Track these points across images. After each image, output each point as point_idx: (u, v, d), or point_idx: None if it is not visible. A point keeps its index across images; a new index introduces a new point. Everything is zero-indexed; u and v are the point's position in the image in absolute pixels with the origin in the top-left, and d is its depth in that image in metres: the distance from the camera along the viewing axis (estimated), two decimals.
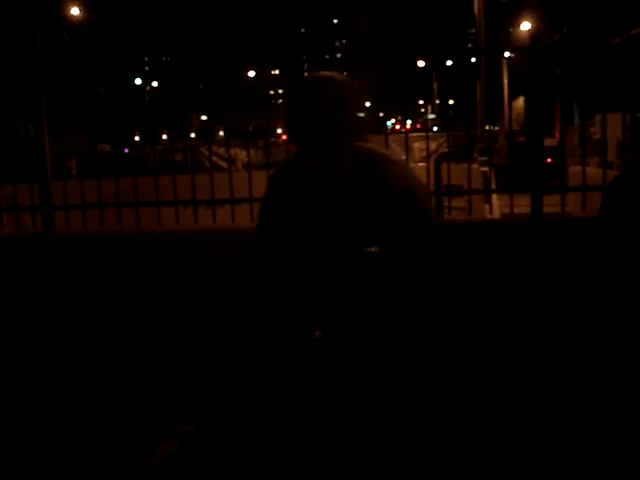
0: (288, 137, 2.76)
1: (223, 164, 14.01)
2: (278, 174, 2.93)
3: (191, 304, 5.64)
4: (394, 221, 2.73)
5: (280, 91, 69.71)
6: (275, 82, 64.74)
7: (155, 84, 57.95)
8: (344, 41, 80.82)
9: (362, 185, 2.71)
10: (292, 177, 2.81)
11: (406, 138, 6.49)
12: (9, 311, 5.88)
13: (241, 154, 17.95)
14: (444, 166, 5.69)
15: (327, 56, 77.55)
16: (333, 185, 2.71)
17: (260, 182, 6.11)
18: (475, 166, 8.15)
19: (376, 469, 2.86)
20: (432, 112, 59.45)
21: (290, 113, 2.75)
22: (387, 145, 5.85)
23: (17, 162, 10.21)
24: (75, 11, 34.03)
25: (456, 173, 5.97)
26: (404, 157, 6.25)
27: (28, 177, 6.70)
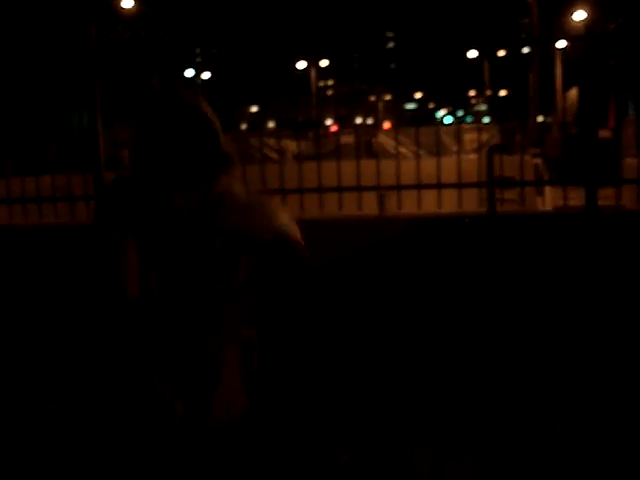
0: (136, 164, 2.22)
1: (273, 155, 14.07)
2: (119, 201, 2.34)
3: None
4: (266, 272, 2.36)
5: (330, 82, 69.69)
6: (325, 73, 64.71)
7: (207, 76, 58.46)
8: (392, 34, 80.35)
9: (226, 233, 2.27)
10: (152, 211, 2.23)
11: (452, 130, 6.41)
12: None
13: (291, 145, 17.99)
14: (496, 158, 5.63)
15: (376, 47, 77.19)
16: (203, 229, 2.26)
17: (310, 173, 6.14)
18: (527, 158, 8.04)
19: None
20: (483, 103, 58.71)
21: (150, 139, 2.25)
22: (438, 136, 5.82)
23: (71, 152, 10.41)
24: (129, 3, 34.45)
25: (508, 165, 5.91)
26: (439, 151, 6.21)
27: (82, 167, 6.81)
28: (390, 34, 78.14)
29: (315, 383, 4.81)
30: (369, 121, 56.27)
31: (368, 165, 6.29)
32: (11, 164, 8.41)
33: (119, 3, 35.50)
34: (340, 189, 6.00)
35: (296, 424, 4.21)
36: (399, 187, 5.85)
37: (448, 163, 6.16)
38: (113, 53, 6.84)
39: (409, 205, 6.01)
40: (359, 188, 5.96)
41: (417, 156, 6.20)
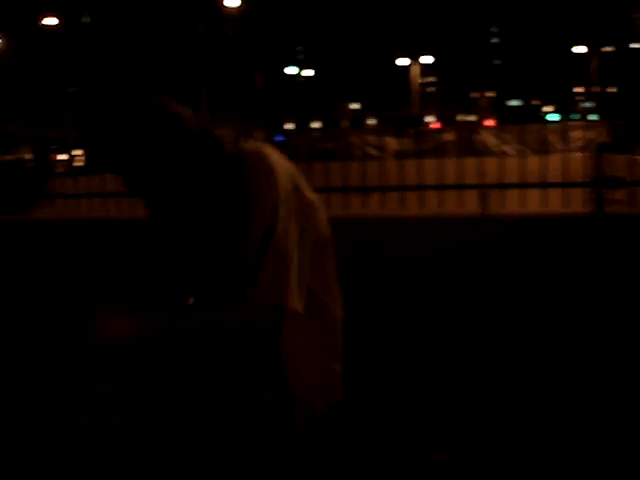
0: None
1: (374, 152, 14.09)
2: None
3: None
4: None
5: (432, 79, 69.02)
6: (428, 70, 64.17)
7: (308, 73, 58.96)
8: (496, 29, 78.97)
9: None
10: None
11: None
12: None
13: (392, 142, 17.98)
14: (604, 157, 5.47)
15: (480, 43, 75.97)
16: None
17: (410, 170, 6.12)
18: (638, 157, 7.77)
19: None
20: (590, 100, 56.99)
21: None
22: (543, 134, 5.70)
23: None
24: (234, 2, 35.14)
25: (616, 164, 5.73)
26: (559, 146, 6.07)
27: None
28: (494, 29, 76.84)
29: (414, 382, 4.78)
30: (471, 118, 55.49)
31: (469, 163, 6.22)
32: None
33: (224, 2, 36.23)
34: (441, 187, 5.95)
35: (390, 422, 4.20)
36: (502, 185, 5.75)
37: (553, 161, 6.02)
38: (218, 51, 6.98)
39: (512, 204, 5.91)
40: (461, 186, 5.90)
41: (521, 154, 6.08)
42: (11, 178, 9.27)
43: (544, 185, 5.62)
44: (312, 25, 53.91)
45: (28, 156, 12.18)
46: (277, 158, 1.83)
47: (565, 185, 5.61)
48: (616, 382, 4.49)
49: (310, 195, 1.89)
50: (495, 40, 79.46)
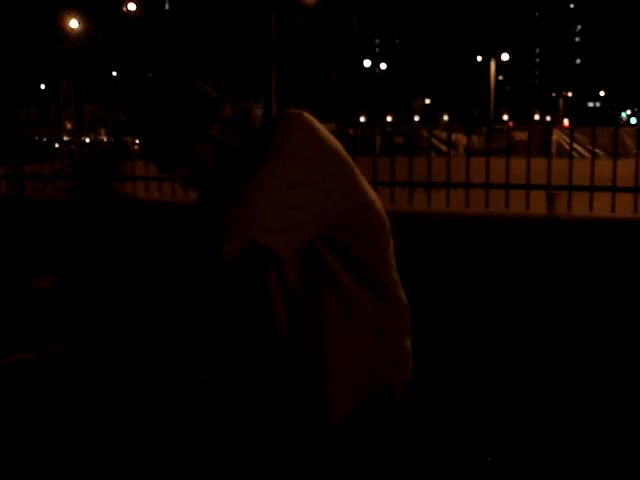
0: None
1: (444, 148, 13.95)
2: None
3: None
4: None
5: (509, 77, 67.90)
6: (505, 68, 63.18)
7: (384, 66, 58.68)
8: (580, 27, 77.19)
9: None
10: None
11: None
12: None
13: (463, 139, 17.76)
14: None
15: (561, 42, 74.44)
16: None
17: (479, 167, 6.04)
18: None
19: None
20: None
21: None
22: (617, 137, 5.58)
23: None
24: None
25: None
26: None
27: None
28: (578, 27, 75.18)
29: (464, 383, 4.74)
30: (547, 118, 54.47)
31: (538, 163, 6.10)
32: None
33: None
34: (508, 186, 5.86)
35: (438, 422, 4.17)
36: (570, 187, 5.63)
37: (626, 165, 5.86)
38: (291, 42, 7.02)
39: (580, 207, 5.78)
40: (527, 186, 5.80)
41: (592, 156, 5.95)
42: (86, 159, 9.50)
43: (613, 189, 5.48)
44: (390, 19, 53.65)
45: (105, 139, 12.46)
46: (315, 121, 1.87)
47: (635, 190, 5.46)
48: None
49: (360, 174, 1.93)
50: (578, 39, 77.76)
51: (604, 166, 5.98)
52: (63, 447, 3.97)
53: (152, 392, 4.73)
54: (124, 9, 40.95)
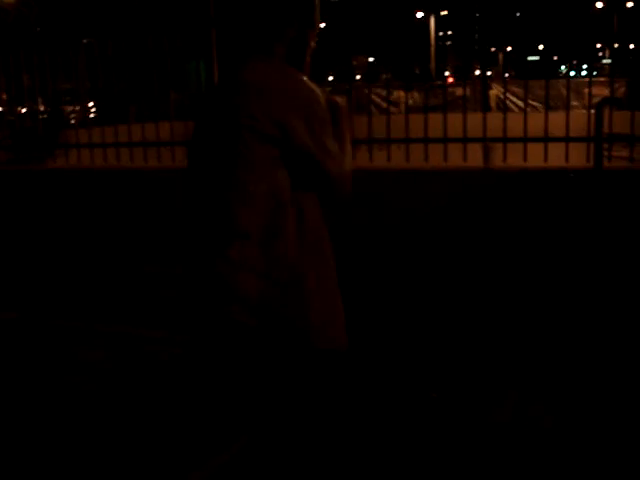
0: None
1: (384, 106, 14.09)
2: None
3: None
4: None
5: (450, 32, 68.14)
6: (445, 24, 63.38)
7: (322, 25, 58.36)
8: None
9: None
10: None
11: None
12: None
13: (402, 96, 17.93)
14: (607, 113, 5.54)
15: None
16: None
17: (417, 124, 6.21)
18: None
19: None
20: (609, 57, 56.20)
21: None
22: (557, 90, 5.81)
23: (190, 100, 10.78)
24: None
25: (620, 120, 5.80)
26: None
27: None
28: None
29: (409, 324, 4.96)
30: (489, 73, 54.85)
31: (477, 118, 6.30)
32: (134, 110, 8.85)
33: None
34: (445, 140, 6.06)
35: (387, 363, 4.39)
36: (504, 139, 5.86)
37: (562, 117, 6.10)
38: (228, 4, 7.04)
39: (515, 158, 6.01)
40: (464, 139, 6.01)
41: (524, 108, 6.18)
42: (26, 129, 9.43)
43: (545, 139, 5.71)
44: None
45: (42, 108, 12.29)
46: None
47: (566, 140, 5.71)
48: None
49: None
50: None
51: (539, 118, 6.21)
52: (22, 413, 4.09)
53: (105, 354, 4.87)
54: None
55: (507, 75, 44.00)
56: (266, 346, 2.13)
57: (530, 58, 66.44)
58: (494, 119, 6.24)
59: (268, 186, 2.09)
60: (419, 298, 5.32)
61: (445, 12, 56.98)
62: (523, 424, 3.61)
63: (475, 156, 6.08)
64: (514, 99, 19.76)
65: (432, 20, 49.05)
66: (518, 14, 70.40)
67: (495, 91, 20.33)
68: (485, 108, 14.13)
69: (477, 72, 54.14)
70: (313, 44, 2.33)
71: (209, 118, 2.24)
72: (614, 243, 5.21)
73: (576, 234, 5.32)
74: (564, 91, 13.78)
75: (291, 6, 2.23)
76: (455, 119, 6.22)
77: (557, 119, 6.02)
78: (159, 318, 5.20)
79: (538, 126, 6.01)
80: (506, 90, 8.79)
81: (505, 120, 5.92)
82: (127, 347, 4.92)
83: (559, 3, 58.08)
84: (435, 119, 6.27)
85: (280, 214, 2.10)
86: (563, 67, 61.73)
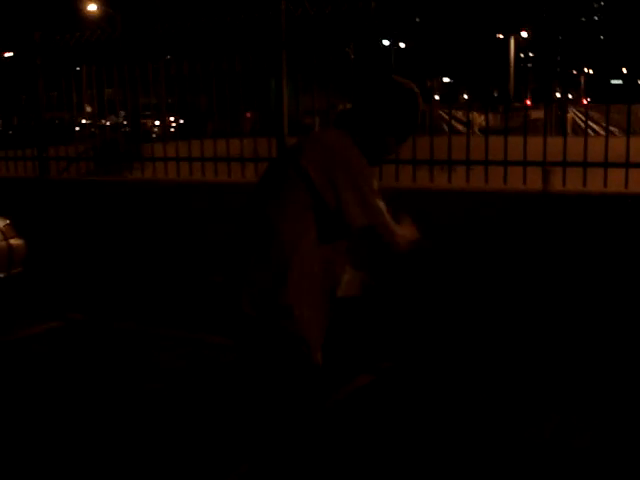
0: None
1: (461, 127, 14.12)
2: None
3: None
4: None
5: (531, 54, 67.46)
6: (527, 46, 62.80)
7: (402, 45, 58.55)
8: (602, 2, 76.27)
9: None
10: None
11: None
12: None
13: (478, 118, 17.90)
14: None
15: (583, 19, 73.70)
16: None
17: (497, 146, 6.25)
18: None
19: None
20: None
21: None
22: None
23: (261, 117, 11.08)
24: None
25: None
26: None
27: (268, 131, 7.37)
28: (597, 4, 74.28)
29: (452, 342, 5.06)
30: (570, 96, 54.07)
31: (534, 141, 6.29)
32: (211, 127, 9.16)
33: None
34: (506, 163, 6.15)
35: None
36: (564, 163, 5.92)
37: (619, 142, 6.11)
38: (301, 26, 7.27)
39: (576, 182, 6.04)
40: (524, 163, 6.09)
41: (585, 133, 6.22)
42: (108, 142, 9.84)
43: (605, 165, 5.76)
44: None
45: (124, 121, 12.79)
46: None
47: (626, 165, 5.75)
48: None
49: None
50: (600, 15, 76.95)
51: (618, 143, 6.20)
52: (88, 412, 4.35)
53: (168, 356, 5.13)
54: None
55: (589, 100, 43.35)
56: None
57: (613, 81, 65.27)
58: (556, 144, 6.21)
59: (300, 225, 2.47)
60: (472, 317, 5.42)
61: (525, 34, 56.45)
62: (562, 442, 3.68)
63: (535, 179, 6.12)
64: (592, 124, 19.51)
65: (512, 42, 48.70)
66: (602, 37, 69.34)
67: (571, 115, 20.14)
68: (562, 132, 14.04)
69: (558, 95, 53.46)
70: (394, 149, 2.74)
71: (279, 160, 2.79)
72: None
73: (628, 260, 5.34)
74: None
75: (401, 126, 2.66)
76: (530, 142, 6.20)
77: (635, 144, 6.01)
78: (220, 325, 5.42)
79: (616, 150, 5.98)
80: (587, 115, 8.77)
81: (565, 144, 5.98)
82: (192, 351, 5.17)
83: None
84: (511, 142, 6.25)
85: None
86: None
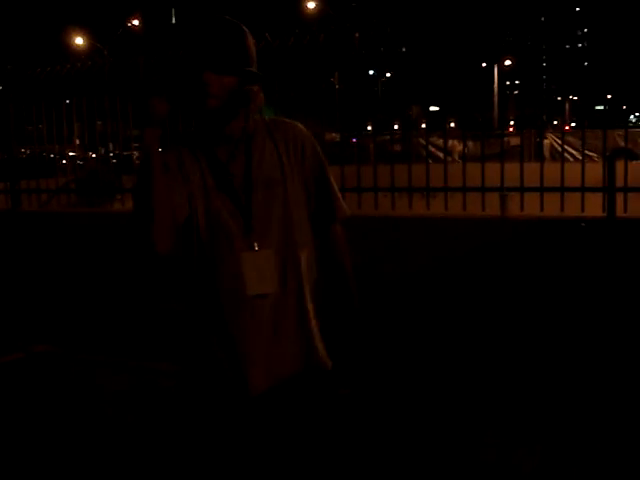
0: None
1: (440, 155, 14.24)
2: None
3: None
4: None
5: (517, 82, 68.12)
6: (510, 73, 63.41)
7: (388, 75, 59.16)
8: (586, 30, 77.26)
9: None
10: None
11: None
12: None
13: (459, 146, 18.07)
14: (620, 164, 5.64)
15: (567, 46, 74.61)
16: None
17: (475, 173, 6.32)
18: None
19: None
20: None
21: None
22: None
23: None
24: (312, 5, 35.84)
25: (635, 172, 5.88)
26: None
27: None
28: (581, 32, 75.27)
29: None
30: (555, 122, 54.56)
31: (527, 167, 6.34)
32: None
33: (304, 5, 36.95)
34: (465, 189, 6.24)
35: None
36: (522, 189, 6.02)
37: (575, 167, 6.22)
38: (293, 55, 7.35)
39: (533, 207, 6.13)
40: (482, 189, 6.18)
41: (562, 159, 6.36)
42: (90, 173, 9.89)
43: (562, 189, 5.85)
44: (393, 29, 53.97)
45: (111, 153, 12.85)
46: None
47: (582, 190, 5.84)
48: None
49: None
50: (584, 43, 77.87)
51: (594, 168, 6.30)
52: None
53: (123, 386, 5.17)
54: (129, 24, 41.58)
55: (572, 125, 43.72)
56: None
57: (598, 107, 66.00)
58: (547, 168, 6.25)
59: None
60: (429, 342, 5.46)
61: (509, 62, 57.07)
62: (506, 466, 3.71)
63: (492, 204, 6.19)
64: (570, 149, 19.67)
65: (495, 69, 49.19)
66: (586, 63, 70.18)
67: (549, 141, 20.33)
68: (537, 158, 14.17)
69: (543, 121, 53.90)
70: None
71: None
72: (625, 292, 5.27)
73: (587, 283, 5.40)
74: (620, 141, 13.76)
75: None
76: (506, 169, 6.26)
77: (575, 168, 6.13)
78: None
79: (594, 176, 6.05)
80: (564, 140, 8.90)
81: (522, 169, 6.08)
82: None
83: (626, 52, 57.65)
84: (489, 168, 6.31)
85: None
86: (632, 117, 60.98)
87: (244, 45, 2.24)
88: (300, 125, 2.41)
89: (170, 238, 2.20)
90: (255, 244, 2.26)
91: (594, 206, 5.95)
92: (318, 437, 2.40)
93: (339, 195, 2.44)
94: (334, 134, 10.98)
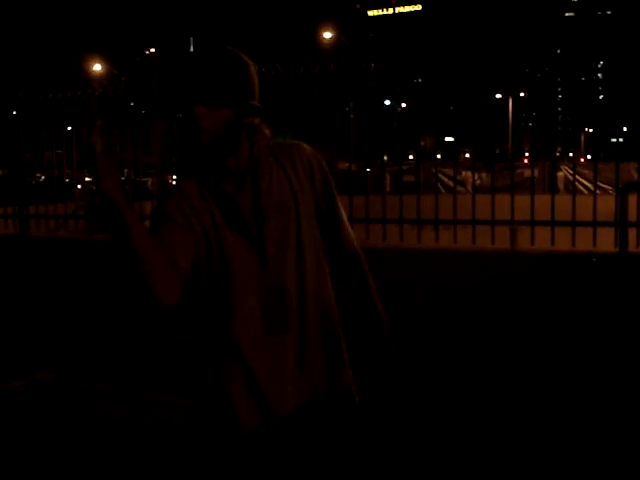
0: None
1: (452, 185, 14.20)
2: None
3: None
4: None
5: (533, 114, 68.18)
6: (526, 104, 63.48)
7: (404, 105, 59.43)
8: (602, 62, 77.34)
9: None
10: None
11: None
12: None
13: (470, 177, 18.01)
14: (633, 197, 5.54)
15: (583, 78, 74.66)
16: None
17: (487, 204, 6.22)
18: None
19: None
20: None
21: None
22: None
23: None
24: (326, 37, 36.12)
25: None
26: None
27: None
28: (596, 64, 75.40)
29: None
30: (570, 154, 54.54)
31: (537, 200, 6.24)
32: None
33: (319, 38, 37.28)
34: (474, 222, 6.16)
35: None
36: (532, 222, 5.93)
37: (586, 200, 6.13)
38: (303, 85, 7.34)
39: (544, 241, 6.04)
40: (492, 222, 6.09)
41: (573, 192, 6.26)
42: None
43: (573, 224, 5.76)
44: (409, 61, 54.34)
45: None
46: None
47: (593, 224, 5.75)
48: None
49: None
50: (600, 75, 77.92)
51: (607, 201, 6.19)
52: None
53: (122, 415, 5.10)
54: (147, 52, 42.05)
55: (588, 158, 43.60)
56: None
57: (613, 139, 65.82)
58: (559, 200, 6.15)
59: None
60: (438, 376, 5.36)
61: (522, 94, 57.18)
62: None
63: (502, 238, 6.09)
64: (584, 181, 19.54)
65: (510, 101, 49.28)
66: (601, 96, 70.17)
67: (563, 173, 20.23)
68: (552, 190, 14.06)
69: (558, 154, 53.88)
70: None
71: None
72: (637, 328, 5.15)
73: (599, 319, 5.30)
74: (635, 174, 13.63)
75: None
76: (517, 200, 6.18)
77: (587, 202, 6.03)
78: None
79: (606, 210, 5.94)
80: (574, 172, 8.83)
81: (532, 202, 5.99)
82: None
83: None
84: (499, 200, 6.22)
85: None
86: None
87: (242, 76, 2.17)
88: (304, 144, 2.36)
89: (178, 290, 2.10)
90: (271, 280, 2.20)
91: (607, 240, 5.84)
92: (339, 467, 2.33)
93: (345, 218, 2.43)
94: (347, 163, 10.99)
